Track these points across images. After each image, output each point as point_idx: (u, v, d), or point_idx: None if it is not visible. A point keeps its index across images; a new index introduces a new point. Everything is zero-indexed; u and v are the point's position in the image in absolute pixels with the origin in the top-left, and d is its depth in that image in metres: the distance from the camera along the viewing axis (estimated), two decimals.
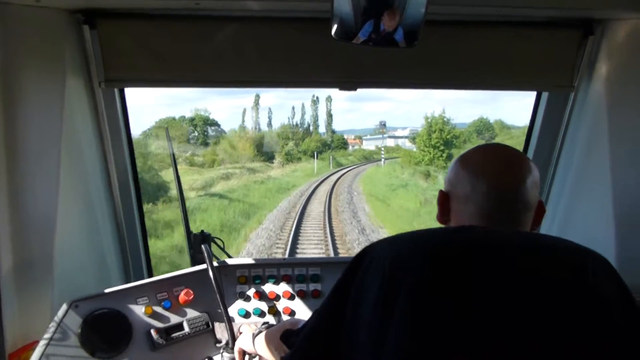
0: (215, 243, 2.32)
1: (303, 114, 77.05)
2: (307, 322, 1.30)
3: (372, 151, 69.31)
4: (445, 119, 43.29)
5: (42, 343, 1.76)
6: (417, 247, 1.12)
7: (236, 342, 1.91)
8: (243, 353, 1.87)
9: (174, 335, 1.94)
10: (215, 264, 2.11)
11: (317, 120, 76.38)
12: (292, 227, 15.82)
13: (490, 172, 1.24)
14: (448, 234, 1.19)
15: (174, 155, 2.45)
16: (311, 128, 75.11)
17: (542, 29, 2.16)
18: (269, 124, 74.87)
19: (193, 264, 2.20)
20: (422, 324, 0.99)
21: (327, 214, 18.34)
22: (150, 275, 2.54)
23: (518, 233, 1.22)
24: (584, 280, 1.03)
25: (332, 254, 12.10)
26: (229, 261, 2.20)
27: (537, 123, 2.43)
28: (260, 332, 1.76)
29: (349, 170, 43.91)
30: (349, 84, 2.20)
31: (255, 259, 2.24)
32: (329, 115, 75.82)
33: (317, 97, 79.08)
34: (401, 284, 1.03)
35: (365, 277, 1.12)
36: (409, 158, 43.58)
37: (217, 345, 2.01)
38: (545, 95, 2.38)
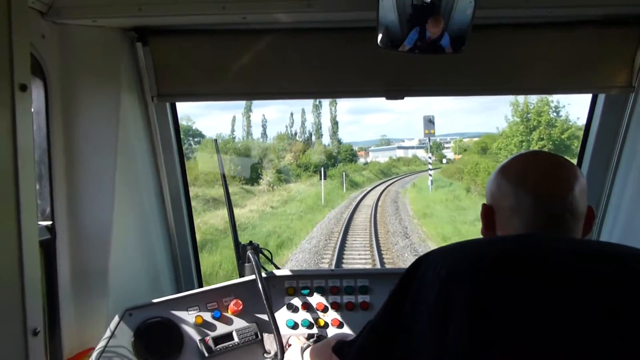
0: (264, 254, 2.34)
1: (303, 122, 63.98)
2: (360, 334, 1.27)
3: (388, 163, 63.75)
4: (553, 107, 30.00)
5: (97, 350, 1.82)
6: (473, 255, 1.08)
7: (285, 355, 1.90)
8: None
9: (223, 344, 1.96)
10: (263, 274, 2.12)
11: (320, 128, 64.54)
12: None
13: (535, 182, 1.17)
14: (505, 242, 1.13)
15: (222, 167, 2.49)
16: (313, 138, 62.59)
17: (597, 28, 2.06)
18: (264, 134, 64.95)
19: (241, 274, 2.22)
20: (480, 332, 0.95)
21: None
22: (200, 286, 2.58)
23: (578, 241, 1.16)
24: None
25: None
26: (277, 272, 2.20)
27: (594, 126, 2.32)
28: (308, 346, 1.75)
29: (379, 197, 28.03)
30: (396, 93, 2.18)
31: (303, 270, 2.23)
32: (334, 123, 64.59)
33: (320, 101, 64.77)
34: (458, 292, 0.99)
35: (421, 287, 1.09)
36: (471, 175, 30.03)
37: (266, 356, 2.00)
38: (602, 97, 2.27)
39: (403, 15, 1.75)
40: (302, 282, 2.16)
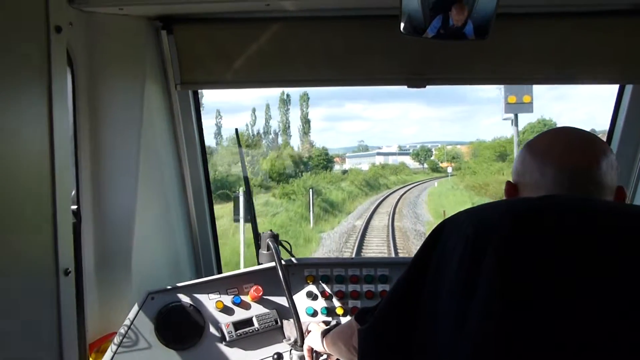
0: (282, 246, 2.35)
1: (268, 119, 52.77)
2: (382, 299, 1.27)
3: (373, 172, 51.00)
4: None
5: (119, 334, 1.85)
6: (500, 211, 1.07)
7: (305, 341, 1.91)
8: (312, 351, 1.87)
9: (243, 330, 1.98)
10: (283, 262, 2.13)
11: (289, 127, 53.26)
12: None
13: (560, 153, 1.16)
14: (531, 200, 1.11)
15: (242, 156, 2.51)
16: (280, 139, 52.30)
17: (624, 16, 2.02)
18: (218, 134, 53.20)
19: (260, 262, 2.24)
20: (509, 281, 0.95)
21: None
22: (220, 272, 2.60)
23: (612, 201, 1.14)
24: None
25: None
26: (297, 260, 2.22)
27: (621, 118, 2.27)
28: (329, 330, 1.75)
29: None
30: (418, 81, 2.16)
31: (323, 259, 2.24)
32: (305, 122, 53.15)
33: (288, 96, 53.53)
34: (486, 245, 0.98)
35: (445, 247, 1.08)
36: None
37: (285, 342, 2.02)
38: (629, 89, 2.23)
39: (426, 3, 1.73)
40: (322, 271, 2.17)
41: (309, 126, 54.32)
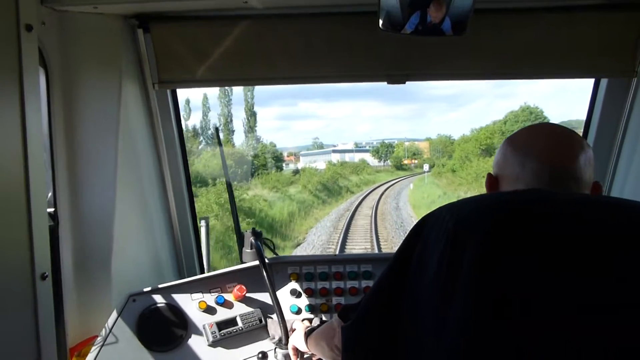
0: (265, 244, 2.34)
1: (205, 112, 40.69)
2: (365, 295, 1.28)
3: (331, 172, 42.18)
4: None
5: (101, 337, 1.82)
6: (480, 206, 1.08)
7: (289, 339, 1.91)
8: (297, 350, 1.87)
9: (227, 329, 1.97)
10: (266, 260, 2.12)
11: (231, 121, 42.03)
12: None
13: (540, 148, 1.19)
14: (514, 194, 1.13)
15: (224, 156, 2.49)
16: (221, 134, 32.53)
17: (599, 11, 2.05)
18: None
19: (243, 260, 2.23)
20: (490, 277, 0.95)
21: None
22: (202, 272, 2.58)
23: (588, 195, 1.16)
24: None
25: None
26: (280, 258, 2.21)
27: (596, 112, 2.31)
28: (311, 330, 1.75)
29: None
30: (398, 77, 2.17)
31: (306, 256, 2.24)
32: (251, 114, 43.93)
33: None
34: (466, 239, 0.99)
35: (428, 240, 1.08)
36: None
37: (270, 340, 2.01)
38: (604, 82, 2.27)
39: (404, 0, 1.74)
40: (305, 268, 2.17)
41: (255, 119, 44.84)
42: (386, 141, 75.68)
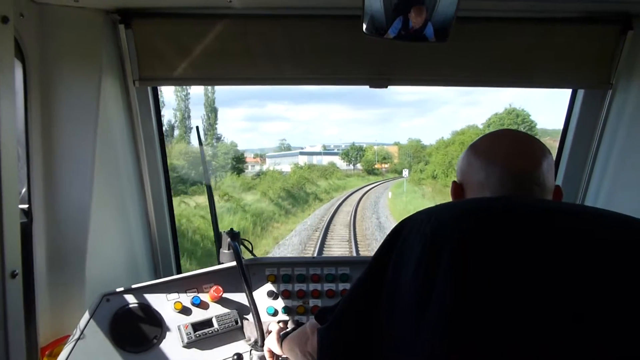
0: (244, 245, 2.32)
1: (160, 106, 14.53)
2: (345, 294, 1.27)
3: (297, 175, 37.84)
4: None
5: (73, 336, 1.79)
6: (457, 211, 1.09)
7: (265, 342, 1.90)
8: (272, 352, 1.86)
9: (203, 331, 1.94)
10: (244, 262, 2.11)
11: (188, 117, 38.20)
12: None
13: (503, 156, 1.21)
14: (488, 201, 1.15)
15: (204, 154, 2.47)
16: (176, 131, 36.20)
17: (577, 24, 2.10)
18: None
19: (220, 261, 2.21)
20: (466, 283, 0.96)
21: None
22: (179, 273, 2.56)
23: (558, 202, 1.19)
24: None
25: None
26: (258, 259, 2.20)
27: (573, 122, 2.36)
28: (287, 333, 1.75)
29: None
30: (380, 81, 2.18)
31: (284, 258, 2.24)
32: (211, 111, 40.27)
33: None
34: (443, 246, 0.99)
35: (405, 244, 1.09)
36: None
37: (246, 342, 2.00)
38: (581, 93, 2.32)
39: (388, 4, 1.75)
40: (283, 270, 2.16)
41: (216, 116, 40.71)
42: (356, 144, 71.98)
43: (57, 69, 1.92)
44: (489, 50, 2.15)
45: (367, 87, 2.21)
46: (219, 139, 42.00)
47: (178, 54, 2.13)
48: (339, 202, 28.70)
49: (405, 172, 43.79)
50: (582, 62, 2.17)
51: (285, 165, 51.08)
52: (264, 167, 49.63)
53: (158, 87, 2.39)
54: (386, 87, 2.19)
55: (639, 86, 2.11)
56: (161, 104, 2.39)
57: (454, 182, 1.33)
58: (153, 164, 2.38)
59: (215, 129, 41.54)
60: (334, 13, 2.06)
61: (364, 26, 1.78)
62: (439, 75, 2.22)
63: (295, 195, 29.96)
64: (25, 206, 1.88)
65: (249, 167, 47.16)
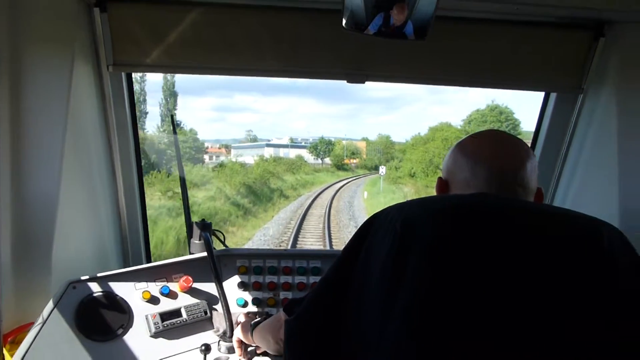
0: (216, 235, 2.31)
1: None
2: (314, 287, 1.28)
3: (261, 168, 34.39)
4: None
5: (37, 324, 1.75)
6: (428, 208, 1.11)
7: (234, 332, 1.89)
8: (241, 342, 1.86)
9: (171, 321, 1.93)
10: (215, 253, 2.10)
11: (144, 101, 34.89)
12: None
13: (490, 155, 1.24)
14: (460, 198, 1.17)
15: (177, 143, 2.44)
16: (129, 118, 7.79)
17: (553, 29, 2.15)
18: None
19: (191, 251, 2.19)
20: (433, 282, 0.97)
21: None
22: (149, 262, 2.52)
23: (532, 202, 1.22)
24: (599, 245, 1.01)
25: None
26: (230, 251, 2.19)
27: (545, 124, 2.42)
28: (257, 322, 1.75)
29: None
30: (357, 76, 2.19)
31: (256, 249, 2.23)
32: (170, 95, 37.21)
33: None
34: (412, 243, 1.01)
35: (375, 238, 1.10)
36: None
37: (215, 333, 1.99)
38: (553, 96, 2.37)
39: (369, 0, 1.76)
40: (255, 262, 2.16)
41: (175, 101, 37.11)
42: (325, 138, 68.08)
43: (28, 53, 1.87)
44: (466, 50, 2.18)
45: (345, 81, 2.22)
46: (178, 125, 35.02)
47: (154, 41, 2.09)
48: (309, 201, 24.74)
49: (382, 169, 39.69)
50: (555, 66, 2.22)
51: (248, 157, 47.89)
52: (230, 157, 46.79)
53: (132, 74, 2.35)
54: (364, 82, 2.20)
55: (608, 92, 2.17)
56: None
57: (440, 178, 1.35)
58: (125, 152, 2.34)
59: (175, 114, 35.55)
60: (314, 6, 2.06)
61: (344, 21, 1.78)
62: (416, 73, 2.24)
63: (258, 191, 26.41)
64: None
65: (214, 157, 44.43)
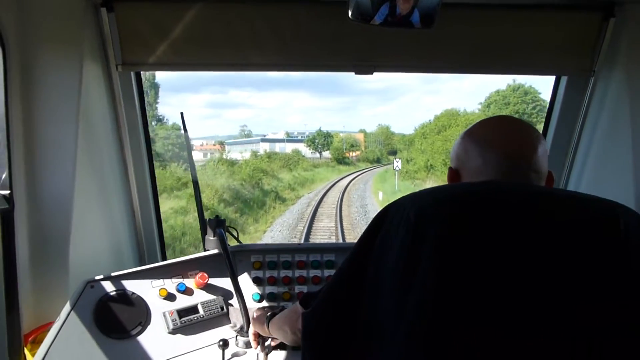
0: (229, 232, 2.32)
1: None
2: (329, 280, 1.28)
3: (251, 165, 29.76)
4: None
5: (56, 324, 1.77)
6: (441, 197, 1.10)
7: (250, 326, 1.91)
8: (258, 336, 1.87)
9: (188, 317, 1.94)
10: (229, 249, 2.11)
11: None
12: None
13: (501, 142, 1.22)
14: (472, 186, 1.16)
15: (188, 140, 2.44)
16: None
17: (561, 11, 2.11)
18: None
19: (206, 248, 2.21)
20: (448, 269, 0.97)
21: None
22: (164, 260, 2.54)
23: (544, 187, 1.21)
24: (615, 228, 0.99)
25: None
26: (244, 246, 2.20)
27: (556, 108, 2.39)
28: (274, 314, 1.75)
29: None
30: (365, 68, 2.18)
31: (269, 245, 2.24)
32: (151, 86, 32.60)
33: None
34: (426, 231, 1.01)
35: (389, 228, 1.10)
36: None
37: (232, 328, 2.01)
38: (564, 80, 2.34)
39: None
40: (269, 257, 2.17)
41: (157, 93, 33.95)
42: (323, 130, 64.10)
43: (38, 54, 1.89)
44: (474, 36, 2.16)
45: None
46: (160, 120, 34.18)
47: (161, 39, 2.10)
48: (310, 209, 20.00)
49: (398, 163, 33.73)
50: (565, 49, 2.19)
51: (243, 153, 44.25)
52: (225, 155, 41.96)
53: (141, 73, 2.36)
54: (372, 73, 2.19)
55: (620, 73, 2.13)
56: None
57: (450, 168, 1.34)
58: (137, 150, 2.36)
59: (156, 108, 34.26)
60: None
61: (350, 12, 1.77)
62: (424, 62, 2.22)
63: (247, 197, 21.62)
64: (7, 192, 1.85)
65: (208, 154, 41.65)
